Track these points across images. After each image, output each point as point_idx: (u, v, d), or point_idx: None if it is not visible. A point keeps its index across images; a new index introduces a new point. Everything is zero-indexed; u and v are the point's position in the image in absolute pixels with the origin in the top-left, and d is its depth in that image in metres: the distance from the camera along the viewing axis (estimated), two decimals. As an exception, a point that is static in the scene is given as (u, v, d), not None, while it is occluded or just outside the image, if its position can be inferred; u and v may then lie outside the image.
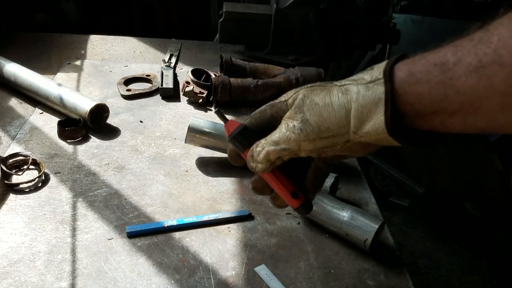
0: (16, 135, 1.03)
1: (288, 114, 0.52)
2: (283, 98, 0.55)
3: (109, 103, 1.12)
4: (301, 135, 0.50)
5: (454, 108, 0.41)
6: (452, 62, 0.41)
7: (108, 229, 0.81)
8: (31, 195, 0.87)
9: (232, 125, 0.56)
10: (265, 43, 1.47)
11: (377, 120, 0.45)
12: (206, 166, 0.99)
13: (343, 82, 0.50)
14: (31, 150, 0.98)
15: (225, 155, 1.00)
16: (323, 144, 0.49)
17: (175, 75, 1.31)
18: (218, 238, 0.82)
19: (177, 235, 0.82)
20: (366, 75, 0.48)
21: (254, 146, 0.54)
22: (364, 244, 0.79)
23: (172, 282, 0.73)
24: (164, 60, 1.37)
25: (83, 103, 1.05)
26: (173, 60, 1.39)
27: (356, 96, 0.47)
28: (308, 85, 0.53)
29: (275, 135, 0.52)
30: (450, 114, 0.42)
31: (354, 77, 0.49)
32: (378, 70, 0.47)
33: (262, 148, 0.53)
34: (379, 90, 0.45)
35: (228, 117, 0.59)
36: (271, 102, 0.56)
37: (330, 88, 0.50)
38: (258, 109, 0.57)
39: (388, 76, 0.45)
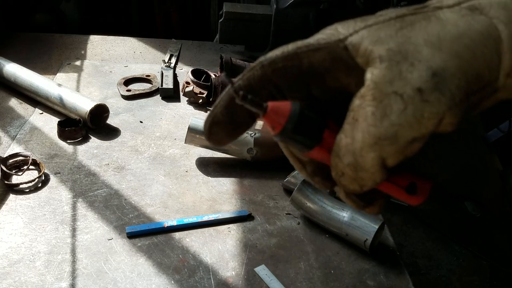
0: (16, 136, 1.03)
1: (379, 76, 0.29)
2: (333, 36, 0.31)
3: (109, 103, 1.12)
4: (442, 101, 0.28)
5: None
6: None
7: (108, 230, 0.81)
8: (31, 195, 0.87)
9: (278, 111, 0.31)
10: (265, 43, 1.46)
11: None
12: (206, 166, 0.99)
13: (450, 0, 0.31)
14: (31, 150, 0.98)
15: (225, 155, 1.00)
16: (474, 101, 0.30)
17: (175, 76, 1.31)
18: (218, 239, 0.82)
19: (177, 235, 0.82)
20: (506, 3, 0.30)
21: (337, 140, 0.31)
22: (364, 245, 0.79)
23: (172, 282, 0.73)
24: (164, 61, 1.37)
25: (83, 104, 1.05)
26: (173, 60, 1.39)
27: (505, 15, 0.29)
28: (388, 11, 0.31)
29: (383, 123, 0.28)
30: None
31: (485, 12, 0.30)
32: None
33: (362, 153, 0.29)
34: None
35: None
36: (305, 43, 0.32)
37: (440, 15, 0.30)
38: (278, 52, 0.33)
39: None
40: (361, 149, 0.29)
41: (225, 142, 0.36)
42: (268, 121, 0.31)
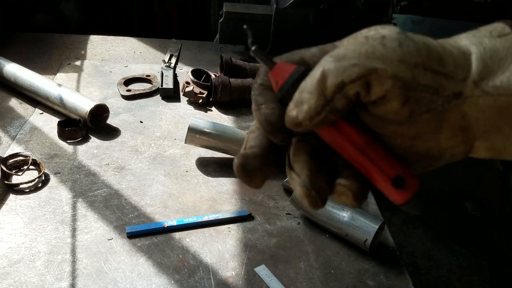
0: (16, 136, 1.03)
1: (364, 30, 0.32)
2: (327, 45, 0.35)
3: (109, 103, 1.12)
4: (397, 50, 0.29)
5: None
6: None
7: (108, 230, 0.81)
8: (31, 195, 0.87)
9: (284, 68, 0.33)
10: (265, 43, 1.47)
11: None
12: (206, 166, 0.99)
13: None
14: (31, 150, 0.98)
15: (225, 155, 1.00)
16: (427, 81, 0.29)
17: (175, 76, 1.31)
18: (218, 239, 0.82)
19: (177, 235, 0.82)
20: (473, 33, 0.33)
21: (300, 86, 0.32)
22: (364, 244, 0.79)
23: (172, 282, 0.73)
24: (164, 61, 1.37)
25: (83, 104, 1.05)
26: (173, 60, 1.39)
27: (478, 41, 0.31)
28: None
29: (341, 49, 0.31)
30: None
31: (453, 38, 0.34)
32: (492, 27, 0.33)
33: (312, 74, 0.31)
34: None
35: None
36: (300, 50, 0.35)
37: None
38: (277, 57, 0.35)
39: None
40: (313, 70, 0.31)
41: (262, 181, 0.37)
42: (273, 77, 0.33)
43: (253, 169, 0.35)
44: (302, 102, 0.30)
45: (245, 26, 0.36)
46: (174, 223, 0.83)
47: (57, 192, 0.88)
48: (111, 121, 1.10)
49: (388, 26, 0.31)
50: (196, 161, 1.00)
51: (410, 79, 0.29)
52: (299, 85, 0.32)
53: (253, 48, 0.33)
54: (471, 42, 0.32)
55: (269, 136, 0.35)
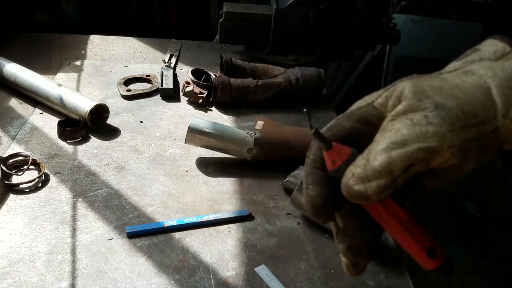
0: (16, 135, 1.03)
1: (397, 110, 0.36)
2: (363, 102, 0.40)
3: (109, 103, 1.12)
4: (443, 125, 0.34)
5: None
6: None
7: (108, 229, 0.81)
8: (31, 195, 0.87)
9: (340, 151, 0.37)
10: (265, 43, 1.46)
11: None
12: (206, 166, 0.99)
13: (450, 68, 0.40)
14: (31, 150, 0.98)
15: (225, 155, 1.00)
16: (473, 135, 0.35)
17: (175, 76, 1.31)
18: (218, 238, 0.82)
19: (177, 235, 0.82)
20: (479, 55, 0.38)
21: (354, 163, 0.36)
22: (364, 244, 0.79)
23: (172, 282, 0.73)
24: (164, 61, 1.37)
25: (83, 103, 1.05)
26: (173, 60, 1.39)
27: (491, 73, 0.36)
28: (403, 78, 0.39)
29: (396, 134, 0.35)
30: None
31: (460, 62, 0.39)
32: (494, 47, 0.38)
33: (374, 156, 0.35)
34: None
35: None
36: (343, 114, 0.40)
37: (441, 76, 0.38)
38: (325, 128, 0.40)
39: None
40: (375, 153, 0.35)
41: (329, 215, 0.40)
42: (329, 157, 0.37)
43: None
44: (369, 179, 0.34)
45: (304, 110, 0.43)
46: (174, 223, 0.83)
47: (57, 192, 0.89)
48: (111, 121, 1.10)
49: (408, 84, 0.37)
50: (196, 161, 1.00)
51: (462, 141, 0.35)
52: (356, 163, 0.36)
53: (312, 131, 0.37)
54: (487, 74, 0.36)
55: (311, 217, 0.43)
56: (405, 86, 0.37)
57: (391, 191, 0.35)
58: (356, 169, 0.35)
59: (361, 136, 0.39)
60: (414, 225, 0.37)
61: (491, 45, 0.39)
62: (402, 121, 0.35)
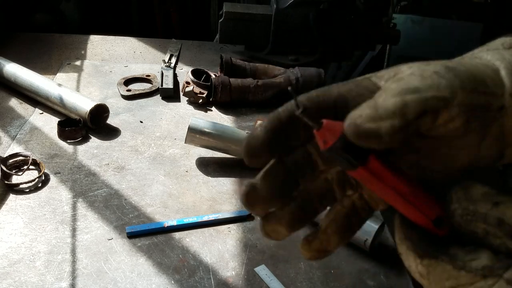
0: (16, 135, 1.03)
1: (403, 70, 0.35)
2: (362, 80, 0.37)
3: (109, 103, 1.12)
4: (455, 81, 0.33)
5: None
6: None
7: (108, 229, 0.81)
8: (31, 195, 0.87)
9: (332, 128, 0.34)
10: (265, 43, 1.47)
11: None
12: (206, 166, 0.99)
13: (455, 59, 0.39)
14: (31, 150, 0.98)
15: (225, 155, 1.00)
16: (481, 101, 0.34)
17: (175, 76, 1.31)
18: (218, 238, 0.82)
19: (177, 235, 0.82)
20: (486, 47, 0.38)
21: (359, 107, 0.33)
22: (364, 244, 0.79)
23: (172, 282, 0.73)
24: (164, 60, 1.37)
25: (83, 103, 1.05)
26: (173, 60, 1.39)
27: (500, 56, 0.36)
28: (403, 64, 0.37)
29: (407, 83, 0.33)
30: None
31: (466, 54, 0.38)
32: (502, 40, 0.38)
33: (385, 99, 0.32)
34: None
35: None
36: (333, 85, 0.37)
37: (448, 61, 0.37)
38: (312, 93, 0.36)
39: None
40: (386, 96, 0.32)
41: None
42: (321, 136, 0.34)
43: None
44: (381, 118, 0.31)
45: (289, 88, 0.36)
46: (174, 223, 0.83)
47: (57, 192, 0.89)
48: (111, 121, 1.10)
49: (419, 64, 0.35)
50: (196, 161, 1.00)
51: (470, 102, 0.33)
52: (363, 112, 0.32)
53: (300, 110, 0.34)
54: (495, 58, 0.36)
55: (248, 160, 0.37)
56: (406, 67, 0.35)
57: (403, 136, 0.31)
58: (364, 110, 0.32)
59: (346, 104, 0.36)
60: (417, 197, 0.35)
61: (498, 40, 0.38)
62: (411, 76, 0.33)
